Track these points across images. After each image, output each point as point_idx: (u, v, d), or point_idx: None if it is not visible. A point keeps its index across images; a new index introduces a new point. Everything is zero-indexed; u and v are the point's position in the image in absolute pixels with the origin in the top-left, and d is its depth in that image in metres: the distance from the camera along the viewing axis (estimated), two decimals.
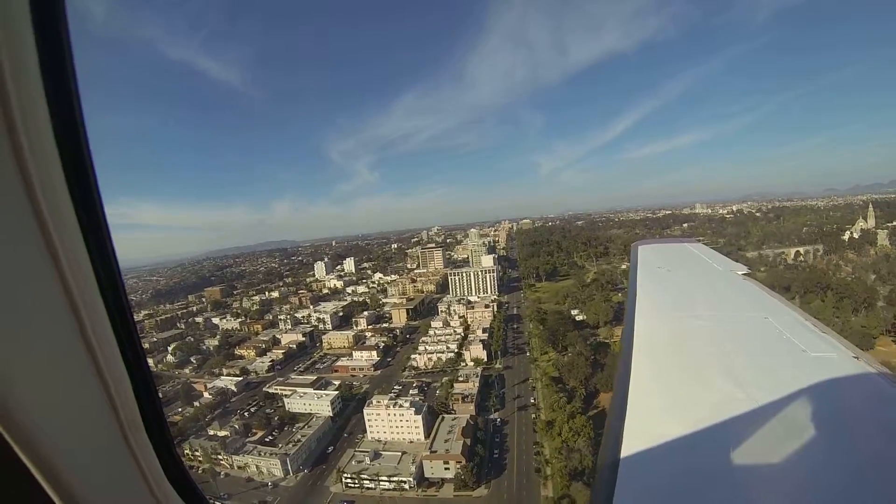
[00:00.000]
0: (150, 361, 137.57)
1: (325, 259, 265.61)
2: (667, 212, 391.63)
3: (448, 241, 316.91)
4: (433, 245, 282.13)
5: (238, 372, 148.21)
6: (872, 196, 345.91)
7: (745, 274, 9.94)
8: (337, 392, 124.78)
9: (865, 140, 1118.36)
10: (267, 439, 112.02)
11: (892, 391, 4.51)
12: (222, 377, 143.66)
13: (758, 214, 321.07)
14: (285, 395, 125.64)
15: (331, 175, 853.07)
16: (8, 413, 1.41)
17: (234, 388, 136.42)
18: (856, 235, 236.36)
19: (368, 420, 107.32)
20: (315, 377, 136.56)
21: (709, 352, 6.07)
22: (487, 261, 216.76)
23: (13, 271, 1.40)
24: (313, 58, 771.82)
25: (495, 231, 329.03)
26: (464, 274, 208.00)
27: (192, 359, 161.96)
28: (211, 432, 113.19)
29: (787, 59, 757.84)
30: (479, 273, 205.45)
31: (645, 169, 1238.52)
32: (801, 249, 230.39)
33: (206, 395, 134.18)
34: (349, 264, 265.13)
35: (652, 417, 4.50)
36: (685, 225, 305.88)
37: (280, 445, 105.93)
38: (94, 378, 1.84)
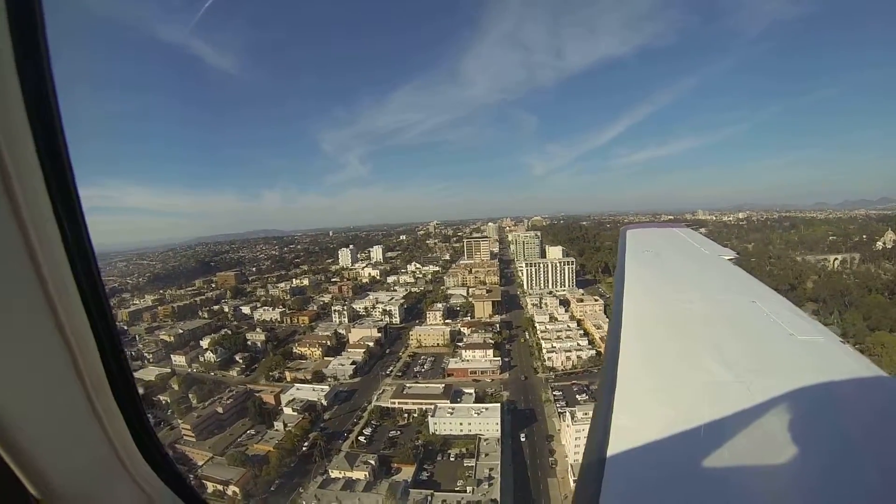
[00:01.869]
0: (182, 359, 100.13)
1: (351, 247, 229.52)
2: (669, 216, 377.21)
3: (459, 234, 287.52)
4: (478, 235, 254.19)
5: (310, 377, 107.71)
6: (870, 211, 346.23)
7: (731, 259, 9.90)
8: (497, 405, 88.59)
9: (856, 156, 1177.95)
10: (421, 477, 74.78)
11: (880, 375, 4.47)
12: (298, 385, 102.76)
13: (770, 223, 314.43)
14: (428, 413, 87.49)
15: (322, 166, 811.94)
16: None
17: (323, 400, 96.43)
18: (888, 245, 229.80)
19: (578, 438, 74.59)
20: (442, 385, 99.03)
21: (698, 334, 5.90)
22: (556, 252, 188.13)
23: None
24: (309, 48, 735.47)
25: (511, 227, 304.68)
26: (540, 265, 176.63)
27: (237, 357, 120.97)
28: (335, 473, 74.00)
29: (781, 72, 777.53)
30: (558, 265, 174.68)
31: (640, 173, 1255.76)
32: (840, 257, 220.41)
33: (285, 410, 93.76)
34: (377, 253, 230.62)
35: (642, 403, 4.31)
36: (702, 230, 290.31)
37: (466, 486, 69.70)
38: (56, 337, 1.70)
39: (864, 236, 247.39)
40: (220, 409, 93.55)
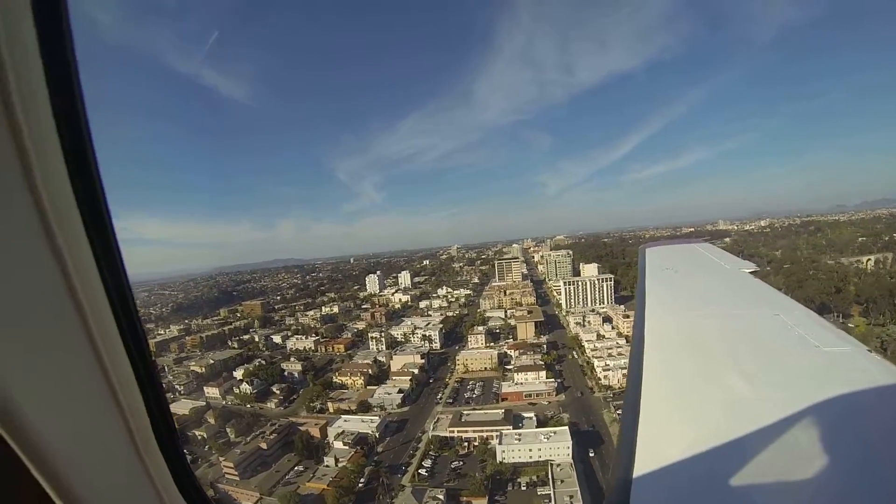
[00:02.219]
0: (216, 391, 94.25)
1: (378, 273, 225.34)
2: (690, 229, 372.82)
3: (483, 256, 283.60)
4: (508, 257, 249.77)
5: (355, 407, 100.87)
6: (893, 210, 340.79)
7: (752, 272, 9.59)
8: (565, 428, 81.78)
9: (873, 156, 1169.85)
10: None
11: None
12: (345, 417, 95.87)
13: (794, 229, 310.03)
14: (489, 440, 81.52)
15: (337, 194, 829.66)
16: (10, 418, 1.36)
17: (374, 432, 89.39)
18: None
19: None
20: (502, 411, 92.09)
21: (722, 352, 5.75)
22: (591, 270, 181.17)
23: (19, 276, 1.38)
24: (320, 76, 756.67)
25: (534, 248, 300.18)
26: (578, 283, 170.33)
27: (274, 388, 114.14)
28: None
29: (792, 76, 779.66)
30: (596, 282, 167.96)
31: (657, 186, 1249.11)
32: (872, 258, 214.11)
33: (333, 443, 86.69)
34: (405, 278, 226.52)
35: (667, 423, 4.27)
36: (727, 239, 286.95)
37: None
38: (103, 385, 1.76)
39: (895, 235, 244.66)
40: (263, 445, 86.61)
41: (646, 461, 3.53)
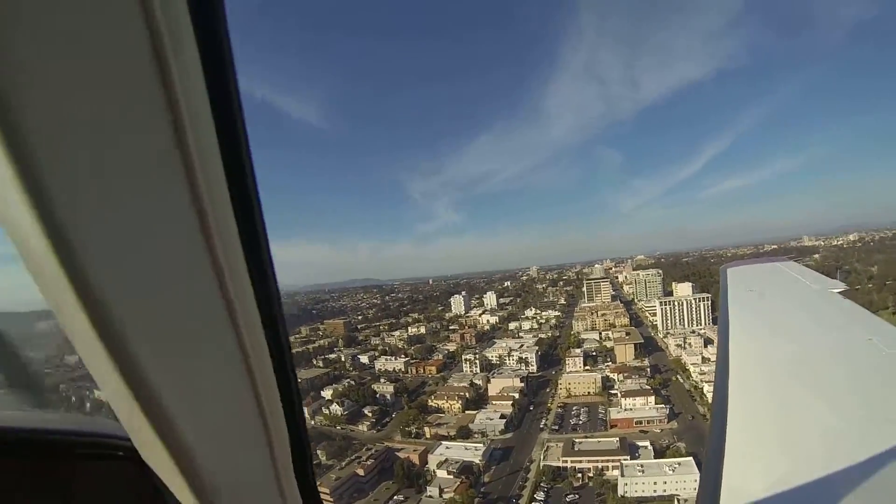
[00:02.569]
0: (305, 411, 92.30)
1: (464, 293, 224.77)
2: (773, 246, 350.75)
3: (564, 277, 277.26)
4: (597, 277, 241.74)
5: (454, 433, 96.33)
6: None
7: (841, 292, 9.03)
8: (689, 458, 74.69)
9: None
10: None
11: None
12: (446, 443, 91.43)
13: (888, 243, 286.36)
14: (604, 471, 76.64)
15: (411, 215, 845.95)
16: (163, 416, 1.29)
17: (480, 460, 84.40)
18: None
19: None
20: (616, 439, 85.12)
21: (810, 378, 5.54)
22: (685, 289, 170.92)
23: (180, 283, 1.33)
24: (392, 100, 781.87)
25: (614, 269, 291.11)
26: (674, 303, 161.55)
27: (365, 410, 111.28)
28: None
29: (866, 82, 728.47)
30: (693, 302, 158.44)
31: (734, 202, 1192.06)
32: None
33: (434, 471, 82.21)
34: (490, 299, 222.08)
35: (753, 457, 4.10)
36: (815, 256, 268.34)
37: None
38: (249, 392, 1.65)
39: None
40: (360, 471, 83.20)
41: (732, 497, 3.39)
